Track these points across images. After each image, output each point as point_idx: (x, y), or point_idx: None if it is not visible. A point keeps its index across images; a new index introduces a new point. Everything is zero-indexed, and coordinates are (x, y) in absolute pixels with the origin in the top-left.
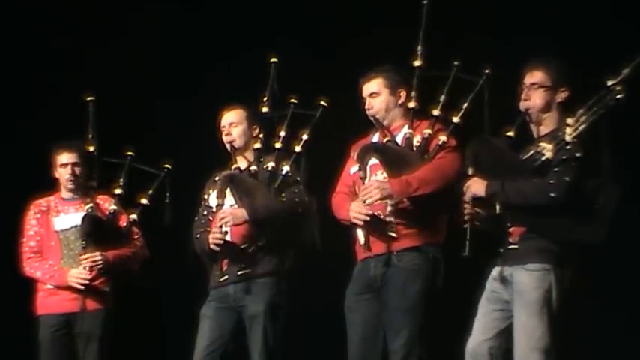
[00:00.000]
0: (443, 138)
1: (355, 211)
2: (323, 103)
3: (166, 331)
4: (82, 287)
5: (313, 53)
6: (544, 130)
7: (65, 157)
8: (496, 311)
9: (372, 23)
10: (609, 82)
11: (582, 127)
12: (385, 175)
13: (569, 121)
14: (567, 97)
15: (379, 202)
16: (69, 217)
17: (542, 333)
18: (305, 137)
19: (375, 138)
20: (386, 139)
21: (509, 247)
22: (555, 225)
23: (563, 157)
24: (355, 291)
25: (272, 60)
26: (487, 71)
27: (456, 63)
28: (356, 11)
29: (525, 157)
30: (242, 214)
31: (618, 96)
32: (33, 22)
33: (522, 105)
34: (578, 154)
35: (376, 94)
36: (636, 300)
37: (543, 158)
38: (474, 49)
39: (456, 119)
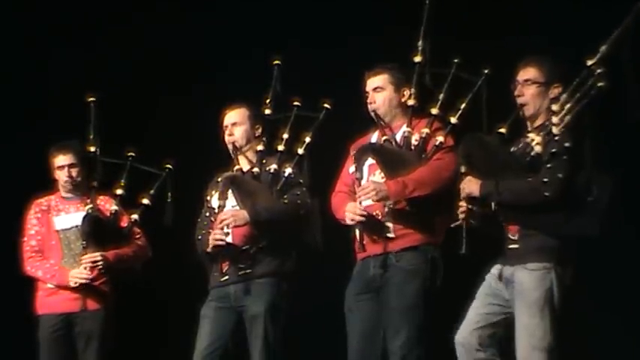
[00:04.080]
0: (440, 138)
1: (351, 212)
2: (326, 105)
3: (166, 331)
4: (82, 286)
5: (316, 55)
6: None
7: (61, 159)
8: (493, 305)
9: (376, 25)
10: (589, 62)
11: (568, 117)
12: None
13: (555, 107)
14: (560, 93)
15: (376, 202)
16: (69, 216)
17: (544, 332)
18: (308, 139)
19: (374, 137)
20: (384, 138)
21: (510, 246)
22: (549, 220)
23: (553, 150)
24: (354, 291)
25: (275, 62)
26: (486, 71)
27: (455, 61)
28: (360, 13)
29: (515, 149)
30: (244, 215)
31: (599, 84)
32: (33, 22)
33: (516, 101)
34: (567, 144)
35: (380, 89)
36: (636, 299)
37: (533, 153)
38: (474, 47)
39: (453, 119)
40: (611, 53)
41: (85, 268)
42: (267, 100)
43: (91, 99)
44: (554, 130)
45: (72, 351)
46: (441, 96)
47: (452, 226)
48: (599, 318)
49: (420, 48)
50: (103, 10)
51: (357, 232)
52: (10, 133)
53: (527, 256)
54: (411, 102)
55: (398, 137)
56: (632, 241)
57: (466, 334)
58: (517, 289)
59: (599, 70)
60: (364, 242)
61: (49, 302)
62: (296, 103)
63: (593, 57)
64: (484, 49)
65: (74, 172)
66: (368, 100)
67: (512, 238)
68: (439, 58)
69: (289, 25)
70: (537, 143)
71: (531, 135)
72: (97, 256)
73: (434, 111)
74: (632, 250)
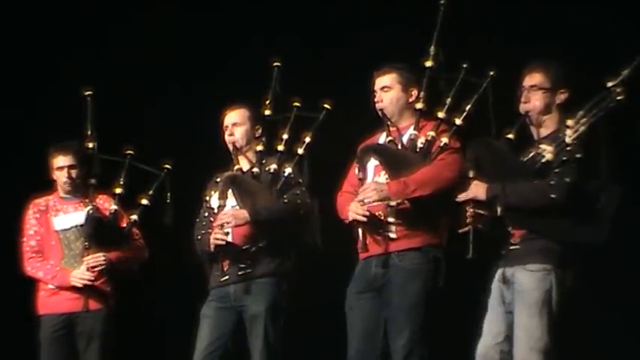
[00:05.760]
0: (444, 140)
1: (353, 211)
2: (327, 106)
3: (166, 331)
4: (83, 287)
5: (317, 55)
6: (544, 132)
7: (61, 160)
8: (505, 313)
9: (376, 25)
10: (609, 84)
11: (582, 128)
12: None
13: (570, 122)
14: (567, 99)
15: (378, 202)
16: (68, 216)
17: (542, 333)
18: (307, 139)
19: (382, 138)
20: (389, 139)
21: (511, 247)
22: (556, 226)
23: (564, 159)
24: (356, 290)
25: (275, 64)
26: (491, 73)
27: (464, 66)
28: (361, 14)
29: (526, 159)
30: (244, 215)
31: (618, 98)
32: (34, 21)
33: (522, 107)
34: (578, 155)
35: (388, 88)
36: (636, 300)
37: (544, 160)
38: (481, 51)
39: (458, 121)
40: (632, 77)
41: (88, 270)
42: (267, 101)
43: (88, 92)
44: (567, 139)
45: (73, 351)
46: (449, 100)
47: (460, 232)
48: (599, 320)
49: (432, 53)
50: (103, 8)
51: (360, 231)
52: (8, 131)
53: (528, 257)
54: (419, 105)
55: (404, 139)
56: (633, 244)
57: (487, 348)
58: (517, 290)
59: (618, 89)
60: (367, 242)
61: (51, 302)
62: (296, 104)
63: (614, 79)
64: (490, 51)
65: (74, 173)
66: (375, 100)
67: (514, 242)
68: (445, 61)
69: (290, 26)
70: (549, 152)
71: (543, 145)
72: (99, 257)
73: (441, 114)
74: (634, 252)
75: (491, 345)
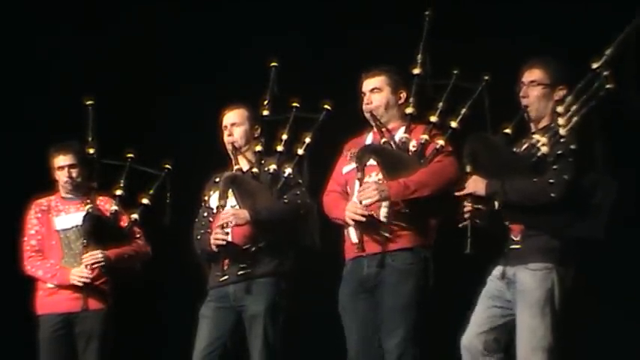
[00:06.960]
0: (440, 142)
1: (351, 211)
2: (327, 107)
3: (166, 331)
4: (83, 285)
5: (315, 55)
6: (542, 127)
7: (61, 160)
8: (495, 307)
9: (374, 25)
10: (594, 65)
11: (575, 119)
12: (380, 176)
13: (560, 109)
14: (565, 95)
15: (376, 202)
16: (69, 216)
17: (545, 332)
18: (308, 140)
19: (369, 138)
20: (383, 140)
21: (512, 247)
22: (554, 222)
23: (559, 152)
24: (349, 291)
25: (272, 64)
26: (486, 78)
27: (455, 72)
28: (359, 13)
29: (520, 150)
30: (244, 215)
31: (608, 86)
32: (34, 22)
33: (521, 102)
34: (572, 147)
35: (378, 89)
36: (638, 298)
37: (539, 153)
38: (473, 56)
39: (453, 124)
40: (616, 56)
41: (86, 267)
42: (265, 102)
43: (89, 102)
44: (561, 131)
45: (72, 351)
46: (440, 104)
47: (460, 226)
48: (601, 318)
49: (419, 61)
50: (102, 10)
51: (356, 231)
52: (10, 133)
53: (529, 257)
54: (409, 110)
55: (396, 139)
56: (634, 242)
57: (471, 338)
58: (518, 289)
59: (605, 73)
60: (363, 242)
61: (50, 302)
62: (295, 105)
63: (598, 60)
64: (482, 52)
65: (74, 172)
66: (365, 101)
67: (515, 239)
68: (436, 62)
69: (289, 25)
70: (543, 144)
71: (536, 136)
72: (97, 254)
73: (433, 118)
74: (635, 251)
75: (474, 334)
